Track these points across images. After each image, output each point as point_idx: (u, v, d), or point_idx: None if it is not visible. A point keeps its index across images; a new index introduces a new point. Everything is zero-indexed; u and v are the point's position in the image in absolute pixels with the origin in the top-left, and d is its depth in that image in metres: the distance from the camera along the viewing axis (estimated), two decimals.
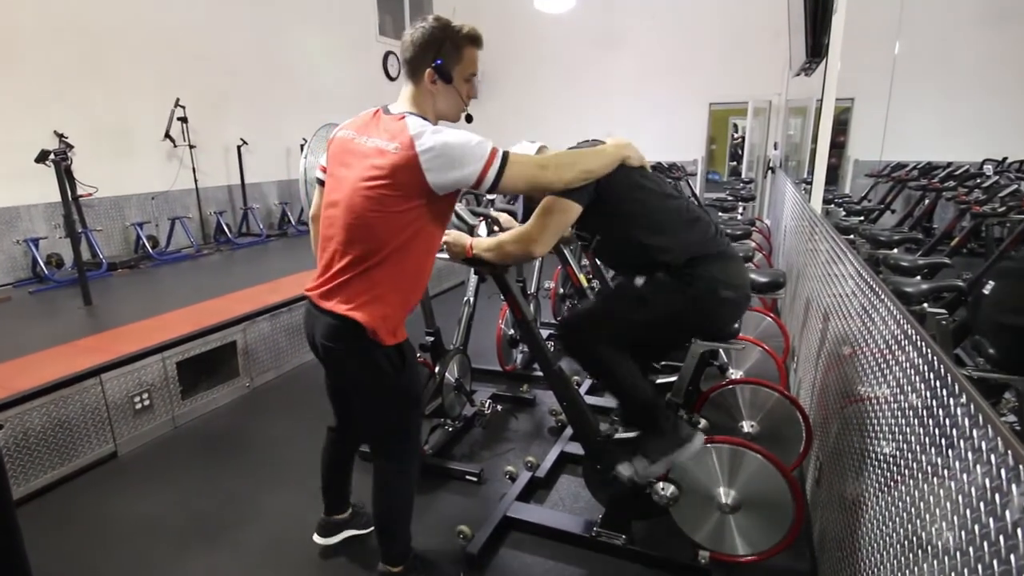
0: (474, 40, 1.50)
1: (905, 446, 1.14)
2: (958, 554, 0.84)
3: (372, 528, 2.15)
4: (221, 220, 6.09)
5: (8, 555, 1.24)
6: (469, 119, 1.57)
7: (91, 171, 4.88)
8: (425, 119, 1.48)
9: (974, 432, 0.85)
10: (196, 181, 5.92)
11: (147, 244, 5.34)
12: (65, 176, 3.98)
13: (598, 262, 3.06)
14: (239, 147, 6.32)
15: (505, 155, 1.43)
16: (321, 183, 1.65)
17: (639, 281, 1.78)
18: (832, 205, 5.26)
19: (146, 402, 2.88)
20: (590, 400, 3.04)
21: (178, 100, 5.52)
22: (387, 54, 8.66)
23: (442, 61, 1.44)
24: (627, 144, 1.73)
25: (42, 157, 4.01)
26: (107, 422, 2.72)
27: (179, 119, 5.58)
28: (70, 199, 4.12)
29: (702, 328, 1.87)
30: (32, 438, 2.44)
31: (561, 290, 4.02)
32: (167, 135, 5.53)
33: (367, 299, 1.50)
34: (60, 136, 4.69)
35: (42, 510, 2.38)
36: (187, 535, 2.20)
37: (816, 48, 3.67)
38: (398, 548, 1.80)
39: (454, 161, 1.40)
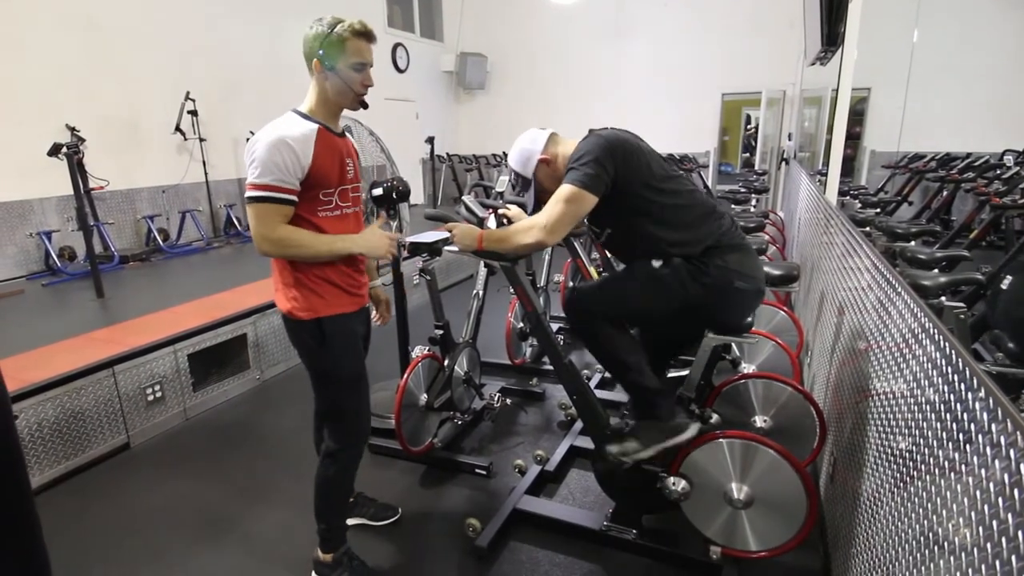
0: (358, 33, 1.59)
1: (921, 441, 1.12)
2: (975, 550, 0.83)
3: (384, 521, 2.18)
4: (231, 213, 6.13)
5: (28, 544, 1.25)
6: (364, 106, 1.69)
7: (102, 164, 4.93)
8: (304, 115, 1.66)
9: (993, 427, 0.83)
10: (206, 174, 5.95)
11: (158, 237, 5.40)
12: (77, 169, 4.02)
13: (608, 255, 3.03)
14: (248, 140, 6.34)
15: (256, 198, 1.60)
16: None
17: (656, 263, 1.76)
18: (848, 197, 5.18)
19: (158, 394, 2.91)
20: (600, 394, 3.03)
21: (188, 93, 5.55)
22: (396, 46, 8.64)
23: (324, 51, 1.58)
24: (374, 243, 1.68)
25: (54, 151, 4.05)
26: (120, 414, 2.75)
27: (189, 112, 5.61)
28: (82, 192, 4.16)
29: (715, 319, 1.84)
30: (46, 429, 2.47)
31: (571, 283, 4.00)
32: (177, 128, 5.57)
33: (279, 284, 1.71)
34: (72, 130, 4.73)
35: (55, 500, 2.41)
36: (199, 526, 2.22)
37: (832, 36, 3.59)
38: (324, 532, 1.86)
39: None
